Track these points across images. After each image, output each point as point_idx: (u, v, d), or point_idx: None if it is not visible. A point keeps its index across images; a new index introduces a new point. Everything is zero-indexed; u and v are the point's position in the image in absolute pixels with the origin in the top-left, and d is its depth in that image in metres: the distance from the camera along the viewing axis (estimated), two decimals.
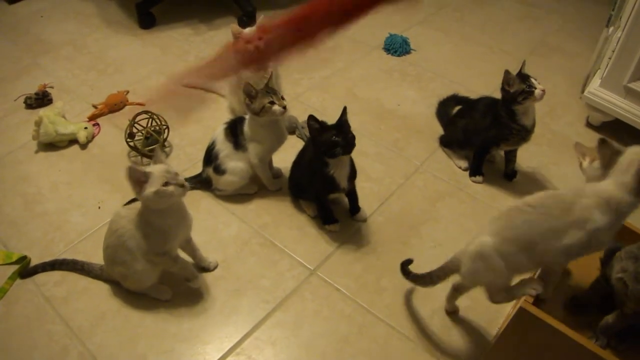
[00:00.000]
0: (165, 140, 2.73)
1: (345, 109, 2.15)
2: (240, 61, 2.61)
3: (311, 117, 2.11)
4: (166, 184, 1.78)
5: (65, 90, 3.19)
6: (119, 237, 1.91)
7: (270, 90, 2.28)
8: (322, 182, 2.24)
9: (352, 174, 2.28)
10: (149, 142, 2.67)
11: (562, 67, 3.53)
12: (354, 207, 2.44)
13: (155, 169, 1.80)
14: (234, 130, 2.41)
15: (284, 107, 2.28)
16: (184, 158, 2.71)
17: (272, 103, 2.25)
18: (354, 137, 2.12)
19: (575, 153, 2.03)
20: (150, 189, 1.76)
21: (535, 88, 2.31)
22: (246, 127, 2.38)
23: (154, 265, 2.00)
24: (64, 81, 3.27)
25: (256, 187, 2.54)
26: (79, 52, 3.55)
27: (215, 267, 2.22)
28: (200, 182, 2.52)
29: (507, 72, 2.36)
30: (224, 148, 2.41)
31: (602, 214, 1.58)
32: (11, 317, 2.06)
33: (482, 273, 1.72)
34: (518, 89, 2.33)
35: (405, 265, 1.99)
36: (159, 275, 2.06)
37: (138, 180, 1.75)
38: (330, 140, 2.09)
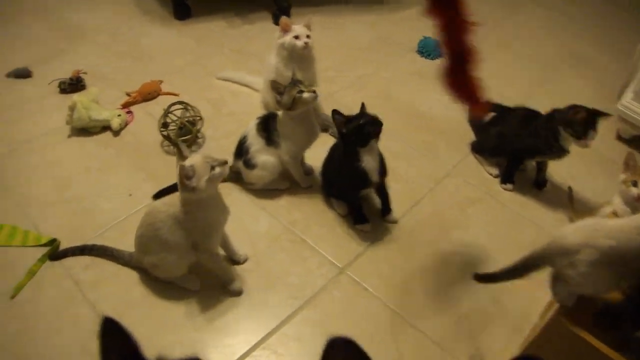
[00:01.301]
0: (198, 131, 2.73)
1: (362, 105, 2.20)
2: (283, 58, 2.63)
3: (335, 112, 2.15)
4: (212, 167, 1.83)
5: (99, 77, 3.20)
6: (155, 230, 1.93)
7: (296, 82, 2.29)
8: (353, 177, 2.24)
9: (383, 168, 2.27)
10: (183, 132, 2.68)
11: (591, 78, 3.51)
12: (385, 208, 2.43)
13: (195, 160, 1.82)
14: (266, 126, 2.42)
15: (314, 92, 2.28)
16: (217, 150, 2.70)
17: (301, 92, 2.26)
18: (380, 121, 2.14)
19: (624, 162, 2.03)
20: (202, 179, 1.80)
21: (587, 139, 2.30)
22: (279, 125, 2.39)
23: (189, 258, 2.01)
24: (98, 68, 3.28)
25: (288, 183, 2.54)
26: (114, 40, 3.57)
27: (245, 261, 2.22)
28: (230, 174, 2.52)
29: (583, 108, 2.32)
30: (255, 143, 2.41)
31: None
32: (39, 299, 2.07)
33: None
34: (579, 121, 2.31)
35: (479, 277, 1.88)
36: (189, 266, 2.07)
37: (187, 176, 1.78)
38: (359, 125, 2.12)
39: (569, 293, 1.65)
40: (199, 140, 2.77)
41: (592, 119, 2.30)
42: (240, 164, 2.46)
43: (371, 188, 2.35)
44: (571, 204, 2.53)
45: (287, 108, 2.30)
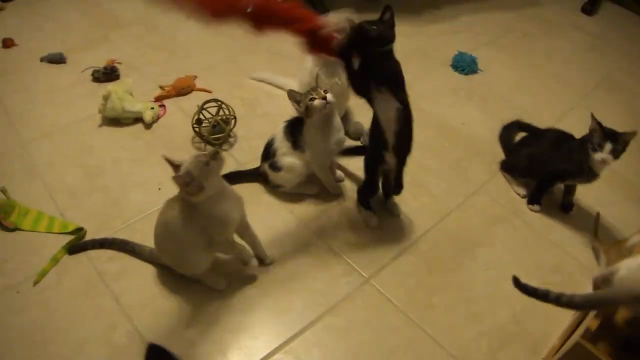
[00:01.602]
0: (231, 130, 2.75)
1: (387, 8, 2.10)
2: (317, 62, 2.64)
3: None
4: (207, 163, 1.81)
5: (133, 68, 3.22)
6: (170, 229, 1.93)
7: (312, 88, 2.28)
8: (375, 125, 2.17)
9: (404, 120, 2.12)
10: (215, 130, 2.69)
11: (624, 104, 3.49)
12: (396, 185, 2.38)
13: (187, 166, 1.81)
14: (293, 130, 2.42)
15: (324, 99, 2.24)
16: (248, 150, 2.70)
17: (312, 99, 2.23)
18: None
19: None
20: (202, 179, 1.81)
21: (600, 152, 2.29)
22: (304, 130, 2.39)
23: (208, 254, 2.02)
24: (133, 59, 3.30)
25: (316, 188, 2.54)
26: (150, 32, 3.59)
27: (272, 262, 2.23)
28: (257, 176, 2.54)
29: (593, 117, 2.32)
30: (282, 146, 2.42)
31: None
32: (62, 286, 2.08)
33: None
34: (593, 140, 2.30)
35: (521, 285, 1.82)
36: (210, 263, 2.07)
37: (186, 183, 1.79)
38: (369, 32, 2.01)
39: None
40: (231, 140, 2.78)
41: (612, 134, 2.29)
42: (266, 166, 2.47)
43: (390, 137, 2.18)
44: (595, 230, 2.52)
45: (306, 116, 2.30)
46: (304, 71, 2.75)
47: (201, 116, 2.69)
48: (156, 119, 2.85)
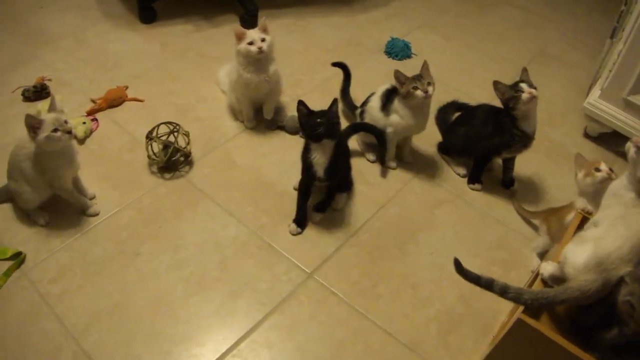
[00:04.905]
0: (182, 161, 2.68)
1: (335, 100, 2.24)
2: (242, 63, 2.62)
3: (300, 102, 2.23)
4: (55, 130, 2.10)
5: (64, 84, 3.16)
6: (19, 161, 2.23)
7: (417, 77, 2.49)
8: (304, 168, 2.32)
9: (332, 168, 2.28)
10: (166, 151, 2.60)
11: (561, 76, 3.55)
12: (322, 206, 2.50)
13: (47, 117, 2.12)
14: (388, 96, 2.68)
15: (426, 92, 2.45)
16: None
17: (416, 88, 2.45)
18: (337, 123, 2.24)
19: (574, 164, 2.09)
20: (42, 134, 2.09)
21: (523, 91, 2.32)
22: (396, 101, 2.60)
23: (42, 193, 2.32)
24: (63, 74, 3.24)
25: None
26: (79, 45, 3.52)
27: (93, 197, 2.49)
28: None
29: (495, 83, 2.42)
30: (376, 103, 2.73)
31: None
32: (5, 313, 2.05)
33: None
34: (508, 95, 2.37)
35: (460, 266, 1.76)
36: (41, 201, 2.35)
37: (32, 126, 2.08)
38: (315, 122, 2.17)
39: None
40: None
41: (515, 82, 2.41)
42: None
43: (318, 183, 2.36)
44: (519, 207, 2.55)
45: (404, 97, 2.52)
46: (232, 70, 2.75)
47: (159, 131, 2.64)
48: (89, 133, 2.79)
